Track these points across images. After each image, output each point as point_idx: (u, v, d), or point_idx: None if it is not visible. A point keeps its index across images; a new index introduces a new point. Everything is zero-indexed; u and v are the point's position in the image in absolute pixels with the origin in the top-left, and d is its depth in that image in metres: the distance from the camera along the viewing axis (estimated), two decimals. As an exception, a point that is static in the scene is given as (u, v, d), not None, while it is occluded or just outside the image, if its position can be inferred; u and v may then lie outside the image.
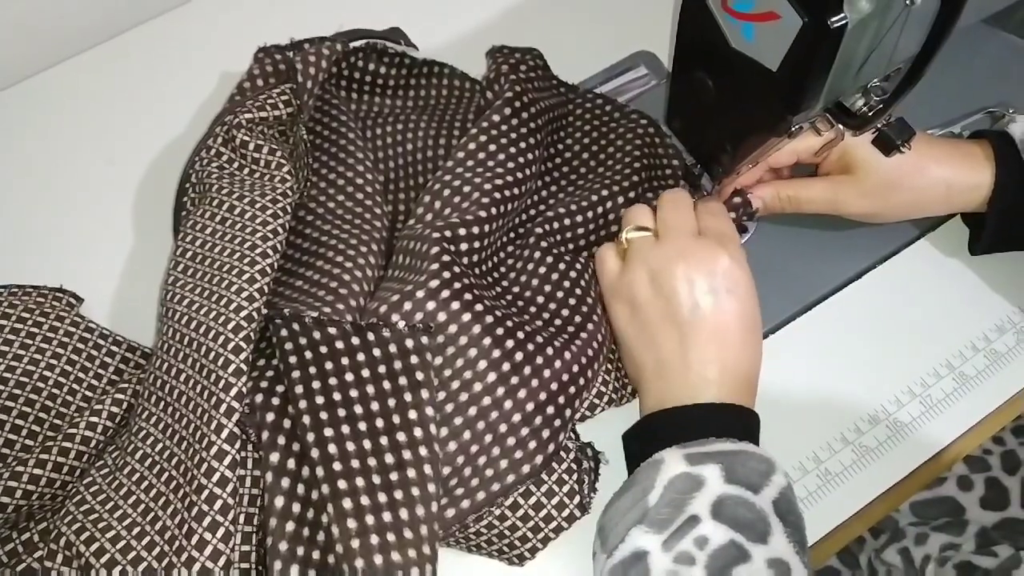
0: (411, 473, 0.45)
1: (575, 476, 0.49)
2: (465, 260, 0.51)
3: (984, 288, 0.58)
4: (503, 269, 0.54)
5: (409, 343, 0.47)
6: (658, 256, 0.50)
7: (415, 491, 0.45)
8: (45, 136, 0.64)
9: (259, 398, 0.46)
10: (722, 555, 0.43)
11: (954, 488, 0.68)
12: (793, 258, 0.58)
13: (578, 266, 0.54)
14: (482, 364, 0.48)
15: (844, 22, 0.38)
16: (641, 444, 0.49)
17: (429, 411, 0.46)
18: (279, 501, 0.43)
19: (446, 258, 0.49)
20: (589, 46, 0.67)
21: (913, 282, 0.58)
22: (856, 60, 0.42)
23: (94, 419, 0.49)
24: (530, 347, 0.48)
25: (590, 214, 0.56)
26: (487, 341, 0.48)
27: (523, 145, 0.55)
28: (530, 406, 0.48)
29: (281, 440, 0.45)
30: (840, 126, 0.46)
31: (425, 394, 0.47)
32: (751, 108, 0.46)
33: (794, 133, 0.45)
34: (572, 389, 0.49)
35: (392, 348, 0.47)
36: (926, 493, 0.67)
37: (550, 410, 0.48)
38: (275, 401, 0.46)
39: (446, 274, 0.48)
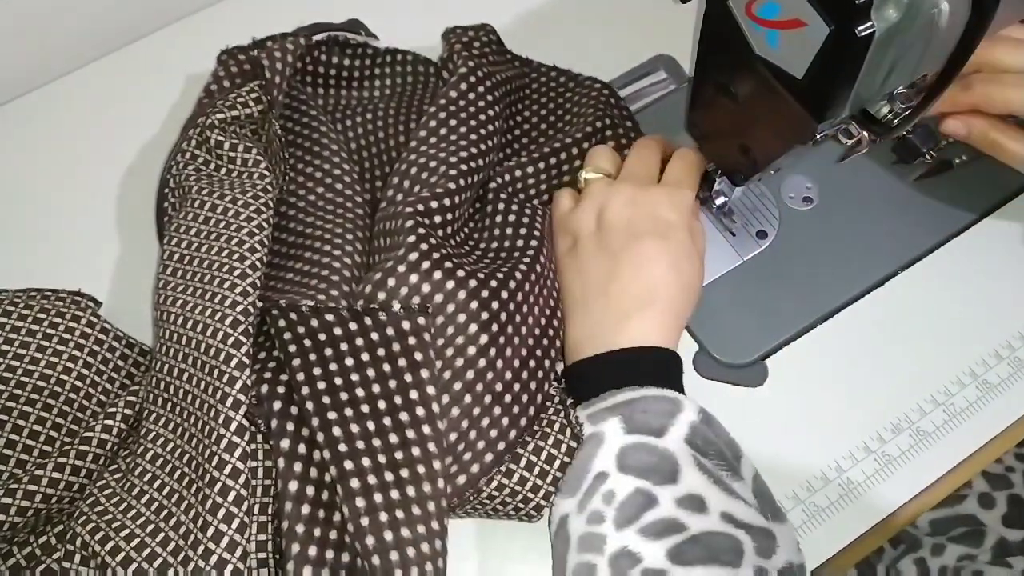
0: (415, 451, 0.46)
1: (562, 414, 0.51)
2: (440, 232, 0.51)
3: (1007, 296, 0.57)
4: (467, 230, 0.55)
5: (406, 325, 0.48)
6: (609, 196, 0.53)
7: (420, 469, 0.46)
8: (26, 154, 0.65)
9: (264, 388, 0.46)
10: (628, 504, 0.44)
11: (975, 506, 0.67)
12: (814, 266, 0.58)
13: (528, 211, 0.55)
14: (473, 327, 0.48)
15: (872, 30, 0.38)
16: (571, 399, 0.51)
17: (430, 390, 0.47)
18: (293, 485, 0.44)
19: (421, 230, 0.50)
20: (608, 50, 0.66)
21: (934, 290, 0.58)
22: (883, 68, 0.41)
23: (108, 422, 0.50)
24: (511, 306, 0.50)
25: (541, 164, 0.57)
26: (474, 305, 0.49)
27: (483, 117, 0.56)
28: (516, 362, 0.49)
29: (290, 426, 0.45)
30: (865, 133, 0.46)
31: (425, 374, 0.47)
32: (775, 115, 0.46)
33: (819, 140, 0.45)
34: (545, 341, 0.52)
35: (389, 331, 0.48)
36: (946, 510, 0.66)
37: (532, 363, 0.50)
38: (280, 390, 0.46)
39: (423, 246, 0.49)
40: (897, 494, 0.53)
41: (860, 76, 0.40)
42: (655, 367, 0.49)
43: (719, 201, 0.58)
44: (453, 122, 0.55)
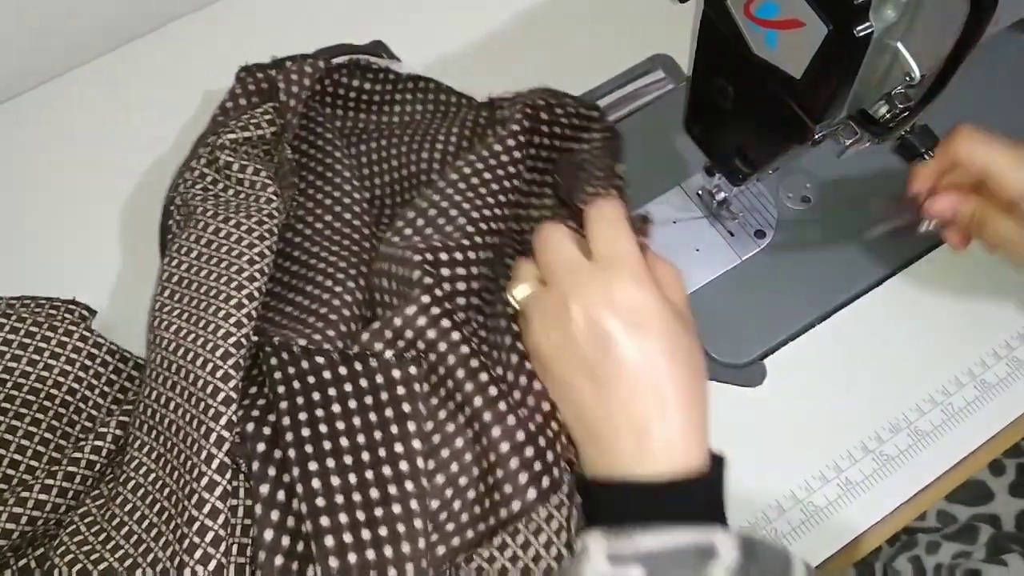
0: (396, 508, 0.44)
1: (562, 510, 0.46)
2: (447, 287, 0.48)
3: (1005, 296, 0.57)
4: (481, 319, 0.51)
5: (396, 373, 0.46)
6: (548, 303, 0.45)
7: (400, 527, 0.44)
8: (34, 152, 0.64)
9: (250, 427, 0.45)
10: None
11: (985, 472, 0.67)
12: (812, 266, 0.58)
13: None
14: (469, 386, 0.45)
15: (870, 30, 0.37)
16: (585, 516, 0.45)
17: (416, 444, 0.45)
18: (268, 534, 0.43)
19: (428, 280, 0.47)
20: (606, 49, 0.66)
21: (933, 290, 0.58)
22: (881, 68, 0.41)
23: (99, 443, 0.48)
24: (509, 377, 0.47)
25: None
26: (475, 363, 0.46)
27: (516, 183, 0.53)
28: (520, 435, 0.44)
29: (272, 471, 0.44)
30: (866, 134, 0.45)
31: (412, 426, 0.45)
32: (773, 115, 0.45)
33: (817, 141, 0.45)
34: (555, 424, 0.46)
35: (379, 379, 0.46)
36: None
37: (541, 441, 0.45)
38: (266, 431, 0.45)
39: (425, 298, 0.47)
40: (895, 494, 0.52)
41: (858, 76, 0.40)
42: (687, 497, 0.41)
43: (720, 196, 0.58)
44: (488, 176, 0.51)
